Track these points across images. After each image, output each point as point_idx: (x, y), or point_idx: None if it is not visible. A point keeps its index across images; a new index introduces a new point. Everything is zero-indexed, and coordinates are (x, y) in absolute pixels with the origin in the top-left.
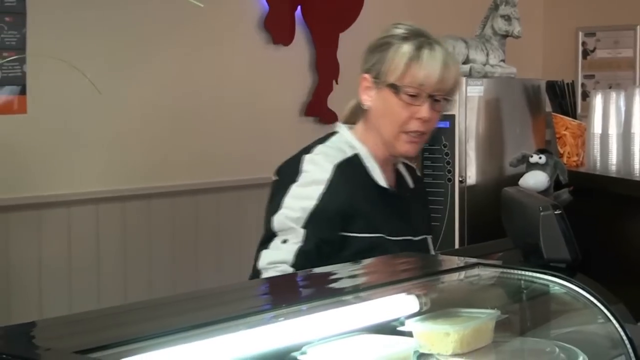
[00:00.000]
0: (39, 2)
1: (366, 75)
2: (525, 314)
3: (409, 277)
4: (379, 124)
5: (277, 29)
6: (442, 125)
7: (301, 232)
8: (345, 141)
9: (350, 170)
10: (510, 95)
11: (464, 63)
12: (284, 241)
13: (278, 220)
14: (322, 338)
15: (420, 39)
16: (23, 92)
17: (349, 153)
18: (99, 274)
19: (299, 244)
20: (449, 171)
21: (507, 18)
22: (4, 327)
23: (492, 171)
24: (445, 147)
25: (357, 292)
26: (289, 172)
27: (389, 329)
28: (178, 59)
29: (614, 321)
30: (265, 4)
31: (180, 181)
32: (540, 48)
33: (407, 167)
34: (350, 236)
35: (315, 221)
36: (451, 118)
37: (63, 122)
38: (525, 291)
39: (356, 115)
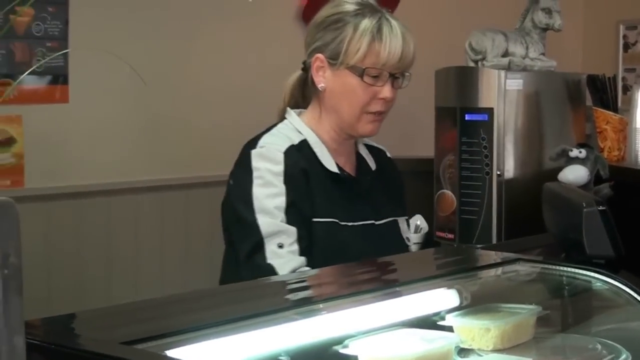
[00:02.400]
0: None
1: (320, 56)
2: (567, 310)
3: (450, 271)
4: (337, 106)
5: None
6: (480, 118)
7: (293, 230)
8: (293, 128)
9: (299, 156)
10: (549, 89)
11: (503, 56)
12: (280, 246)
13: (265, 223)
14: (363, 331)
15: (377, 15)
16: (65, 81)
17: (296, 140)
18: (138, 264)
19: (297, 245)
20: (487, 165)
21: (548, 11)
22: (48, 318)
23: (530, 165)
24: (483, 140)
25: (398, 286)
26: (242, 174)
27: (429, 323)
28: (218, 50)
29: None
30: None
31: (220, 172)
32: (581, 41)
33: (371, 148)
34: (313, 221)
35: (294, 215)
36: (489, 111)
37: (104, 112)
38: (566, 287)
39: (301, 95)
